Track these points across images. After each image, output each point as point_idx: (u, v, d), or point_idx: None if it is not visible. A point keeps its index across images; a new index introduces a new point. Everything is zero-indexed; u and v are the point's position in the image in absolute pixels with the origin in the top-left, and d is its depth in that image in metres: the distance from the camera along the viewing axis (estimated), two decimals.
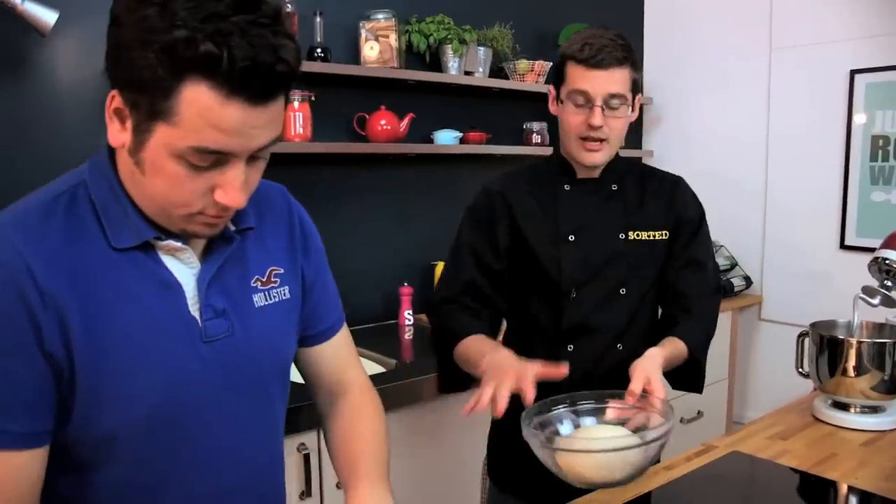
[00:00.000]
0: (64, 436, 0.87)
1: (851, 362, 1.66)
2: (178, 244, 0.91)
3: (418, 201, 2.93)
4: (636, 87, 1.52)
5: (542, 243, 1.56)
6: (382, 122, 2.58)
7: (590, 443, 1.19)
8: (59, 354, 0.82)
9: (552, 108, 1.59)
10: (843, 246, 3.04)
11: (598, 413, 1.31)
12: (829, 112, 3.04)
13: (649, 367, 1.31)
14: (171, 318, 0.90)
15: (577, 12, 3.29)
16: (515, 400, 1.48)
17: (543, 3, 3.25)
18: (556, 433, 1.27)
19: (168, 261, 0.91)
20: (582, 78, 1.46)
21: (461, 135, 2.83)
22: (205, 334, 0.92)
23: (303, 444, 1.87)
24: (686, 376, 1.59)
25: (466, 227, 1.63)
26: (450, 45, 2.72)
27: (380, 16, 2.56)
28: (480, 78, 2.87)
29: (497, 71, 3.01)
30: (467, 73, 2.83)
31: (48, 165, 2.06)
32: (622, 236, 1.55)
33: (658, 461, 1.30)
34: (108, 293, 0.85)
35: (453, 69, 2.77)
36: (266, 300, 1.00)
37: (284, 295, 1.03)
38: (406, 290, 2.75)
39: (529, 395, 1.21)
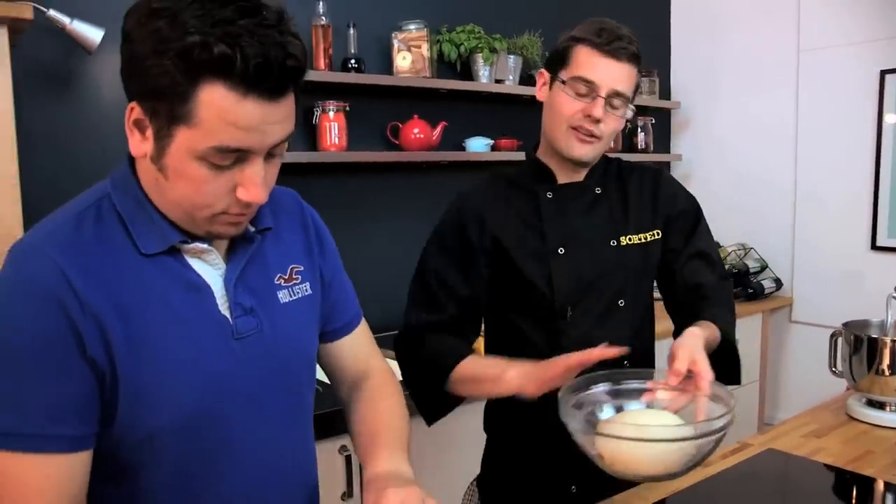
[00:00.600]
0: (108, 438, 0.90)
1: (886, 361, 1.68)
2: (204, 246, 0.94)
3: None
4: (636, 92, 1.43)
5: (528, 260, 1.43)
6: (415, 130, 2.64)
7: (642, 430, 1.04)
8: (101, 360, 0.86)
9: (540, 94, 1.46)
10: (874, 247, 3.04)
11: (639, 395, 1.17)
12: (858, 113, 3.05)
13: (692, 346, 1.17)
14: (202, 318, 0.93)
15: (605, 15, 3.31)
16: (513, 412, 1.46)
17: (571, 10, 3.28)
18: (594, 416, 1.16)
19: (194, 263, 0.95)
20: (591, 65, 1.35)
21: (492, 142, 2.87)
22: (236, 332, 0.95)
23: (344, 446, 1.92)
24: (722, 365, 1.37)
25: (434, 251, 1.50)
26: (480, 54, 2.77)
27: (411, 26, 2.62)
28: (511, 86, 2.92)
29: (526, 78, 3.05)
30: (497, 82, 2.88)
31: (93, 178, 2.10)
32: (613, 243, 1.44)
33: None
34: (141, 298, 0.89)
35: (484, 77, 2.82)
36: (290, 296, 1.03)
37: (306, 291, 1.06)
38: None
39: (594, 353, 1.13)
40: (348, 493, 1.94)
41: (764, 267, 3.33)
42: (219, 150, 0.83)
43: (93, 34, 2.02)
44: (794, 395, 3.37)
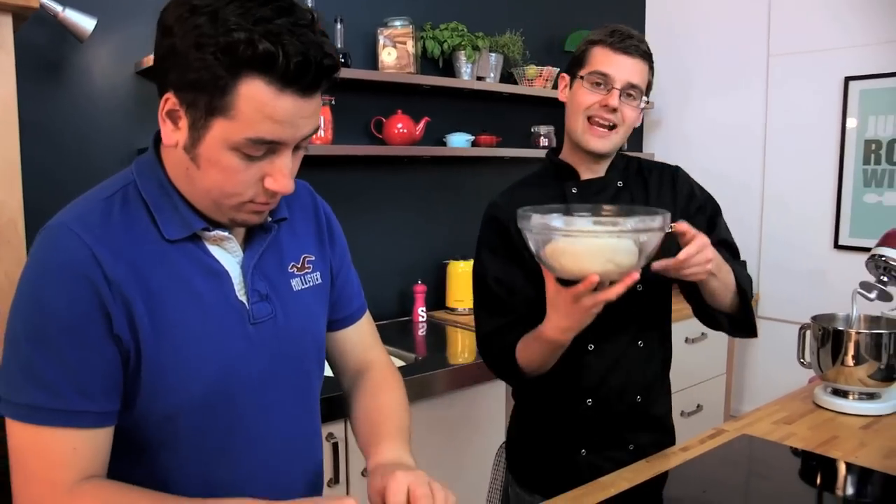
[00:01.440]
0: (129, 417, 0.94)
1: (850, 353, 1.78)
2: (225, 234, 0.99)
3: (432, 202, 3.04)
4: (648, 89, 1.52)
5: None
6: (399, 125, 2.68)
7: (576, 225, 1.13)
8: (126, 338, 0.90)
9: (562, 95, 1.56)
10: (836, 245, 3.17)
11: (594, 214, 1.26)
12: (824, 117, 3.17)
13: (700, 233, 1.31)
14: (221, 302, 0.98)
15: (582, 19, 3.41)
16: (533, 387, 1.57)
17: (551, 10, 3.36)
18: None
19: (214, 250, 0.99)
20: (606, 61, 1.46)
21: (473, 138, 2.93)
22: (252, 317, 1.00)
23: (331, 433, 1.97)
24: (737, 315, 1.55)
25: (488, 259, 1.56)
26: (463, 52, 2.83)
27: (397, 23, 2.67)
28: (491, 83, 2.98)
29: (507, 76, 3.12)
30: (479, 79, 2.94)
31: (86, 167, 2.15)
32: None
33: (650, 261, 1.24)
34: (164, 281, 0.93)
35: (466, 74, 2.88)
36: (302, 284, 1.08)
37: (317, 280, 1.11)
38: (420, 288, 2.85)
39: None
40: (335, 480, 1.99)
41: None
42: (253, 141, 0.87)
43: (85, 23, 2.03)
44: (761, 389, 3.49)
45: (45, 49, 2.10)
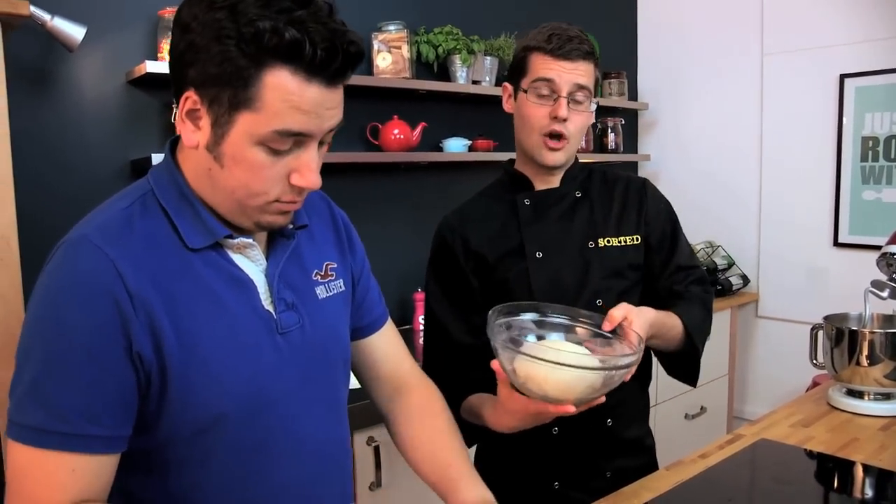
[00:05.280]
0: (155, 436, 0.90)
1: (865, 352, 1.75)
2: (249, 240, 0.96)
3: (429, 207, 3.00)
4: (597, 86, 1.46)
5: (508, 266, 1.47)
6: (395, 131, 2.64)
7: (557, 354, 1.09)
8: (149, 356, 0.86)
9: (507, 106, 1.50)
10: (836, 243, 3.16)
11: (567, 331, 1.25)
12: (820, 115, 3.17)
13: (633, 308, 1.25)
14: (248, 312, 0.94)
15: (574, 20, 3.37)
16: None
17: (544, 12, 3.33)
18: (518, 338, 1.19)
19: (237, 258, 0.96)
20: (548, 68, 1.39)
21: (470, 142, 2.90)
22: (280, 326, 0.97)
23: (371, 437, 1.94)
24: (681, 362, 1.53)
25: (432, 287, 1.53)
26: (458, 56, 2.79)
27: (391, 27, 2.63)
28: (487, 87, 2.95)
29: (502, 80, 3.08)
30: (474, 83, 2.90)
31: (78, 179, 2.10)
32: (591, 245, 1.47)
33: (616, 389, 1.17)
34: (189, 292, 0.90)
35: (461, 78, 2.84)
36: (327, 292, 1.06)
37: (340, 287, 1.09)
38: (420, 296, 2.80)
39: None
40: (377, 483, 1.97)
41: (731, 264, 3.43)
42: (281, 133, 0.84)
43: (75, 32, 1.97)
44: (763, 389, 3.47)
45: (33, 59, 2.04)
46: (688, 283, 1.54)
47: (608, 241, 1.48)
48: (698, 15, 3.55)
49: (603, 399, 1.15)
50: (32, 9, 1.90)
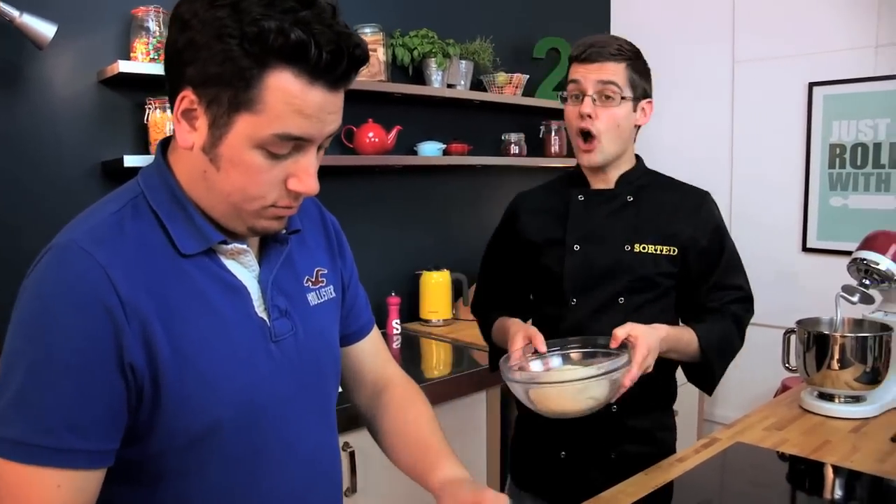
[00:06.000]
0: (147, 447, 0.88)
1: (836, 356, 1.78)
2: (243, 246, 0.94)
3: (404, 212, 2.99)
4: (637, 87, 1.55)
5: (549, 253, 1.61)
6: (370, 134, 2.63)
7: (560, 375, 1.32)
8: (141, 365, 0.84)
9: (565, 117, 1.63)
10: (805, 249, 3.21)
11: (575, 357, 1.44)
12: (789, 122, 3.21)
13: (639, 327, 1.37)
14: (241, 319, 0.92)
15: (550, 26, 3.41)
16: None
17: (520, 17, 3.35)
18: (524, 367, 1.41)
19: (229, 264, 0.94)
20: (575, 72, 1.53)
21: (444, 146, 2.89)
22: (274, 334, 0.95)
23: (347, 443, 1.92)
24: (698, 373, 1.65)
25: (493, 237, 1.80)
26: (433, 59, 2.79)
27: (367, 30, 2.62)
28: (463, 91, 2.94)
29: (477, 83, 3.09)
30: (450, 86, 2.90)
31: (45, 178, 2.05)
32: (627, 248, 1.56)
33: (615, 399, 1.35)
34: (182, 298, 0.88)
35: (436, 82, 2.84)
36: (318, 299, 1.04)
37: (331, 294, 1.07)
38: (394, 301, 2.80)
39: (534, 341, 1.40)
40: (352, 489, 1.95)
41: None
42: (281, 136, 0.83)
43: (45, 29, 1.93)
44: (732, 392, 3.51)
45: (1, 56, 1.99)
46: (725, 301, 1.63)
47: (644, 248, 1.57)
48: (670, 23, 3.59)
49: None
50: (0, 4, 1.86)
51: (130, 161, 2.00)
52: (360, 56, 0.84)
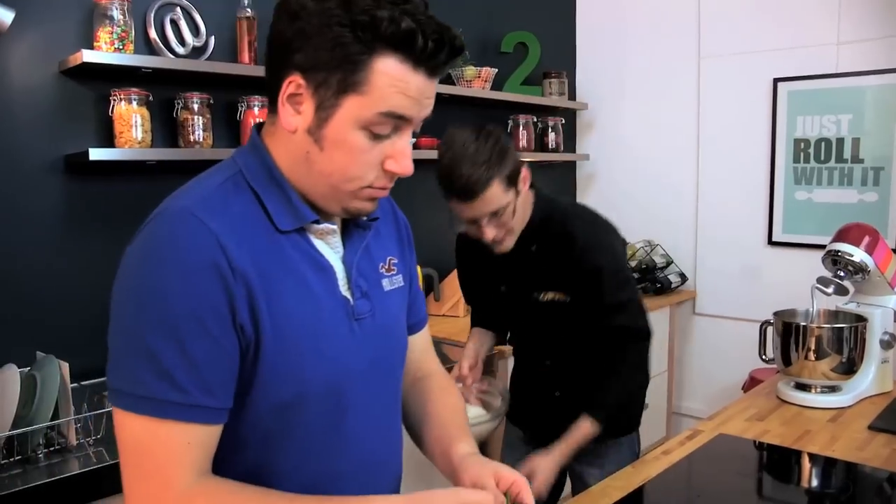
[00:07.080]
0: (240, 412, 0.92)
1: (813, 347, 1.80)
2: (333, 227, 0.99)
3: None
4: (511, 181, 1.58)
5: (485, 291, 1.87)
6: None
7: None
8: (248, 328, 0.88)
9: None
10: (770, 242, 3.26)
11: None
12: (754, 117, 3.26)
13: (535, 468, 1.56)
14: (328, 296, 0.97)
15: (517, 21, 3.40)
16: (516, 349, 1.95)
17: (488, 12, 3.33)
18: None
19: (318, 244, 0.98)
20: (458, 208, 1.59)
21: (414, 140, 2.86)
22: (355, 312, 0.99)
23: None
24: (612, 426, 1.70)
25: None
26: None
27: None
28: None
29: (445, 77, 3.06)
30: None
31: (6, 172, 1.97)
32: (535, 294, 1.72)
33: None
34: (279, 272, 0.92)
35: None
36: (391, 285, 1.09)
37: (400, 283, 1.11)
38: None
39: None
40: None
41: (669, 262, 3.49)
42: (386, 114, 0.88)
43: (2, 15, 1.85)
44: (700, 384, 3.56)
45: None
46: (616, 341, 1.68)
47: (544, 296, 1.72)
48: (637, 18, 3.60)
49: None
50: None
51: (96, 154, 1.93)
52: (459, 46, 0.89)
